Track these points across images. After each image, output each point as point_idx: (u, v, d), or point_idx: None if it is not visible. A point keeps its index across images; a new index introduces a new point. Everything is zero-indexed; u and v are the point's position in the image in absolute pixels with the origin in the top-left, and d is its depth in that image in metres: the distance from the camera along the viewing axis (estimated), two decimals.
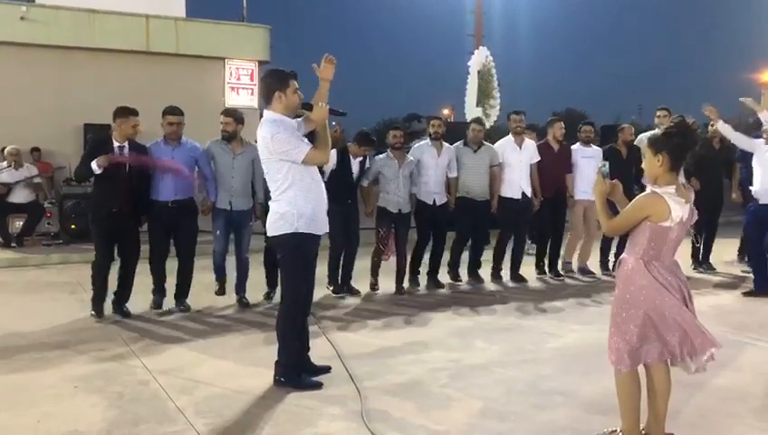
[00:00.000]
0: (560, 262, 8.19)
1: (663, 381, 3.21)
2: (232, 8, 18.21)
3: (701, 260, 8.41)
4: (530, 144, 7.78)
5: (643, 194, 3.14)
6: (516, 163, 7.61)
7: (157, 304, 6.31)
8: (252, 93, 15.69)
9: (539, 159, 7.78)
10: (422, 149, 7.35)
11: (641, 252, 3.13)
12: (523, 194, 7.64)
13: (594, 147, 8.18)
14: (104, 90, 12.70)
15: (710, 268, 8.36)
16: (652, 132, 3.23)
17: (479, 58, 13.06)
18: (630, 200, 3.26)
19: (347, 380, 4.32)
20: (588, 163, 7.92)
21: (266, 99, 4.17)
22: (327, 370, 4.46)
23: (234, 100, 15.31)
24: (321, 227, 4.26)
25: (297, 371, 4.26)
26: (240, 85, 15.68)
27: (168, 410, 3.86)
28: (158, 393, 4.06)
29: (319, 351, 4.99)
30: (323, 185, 4.33)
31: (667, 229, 3.08)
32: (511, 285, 7.65)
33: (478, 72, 13.02)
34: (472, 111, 13.47)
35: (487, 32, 21.35)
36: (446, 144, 7.41)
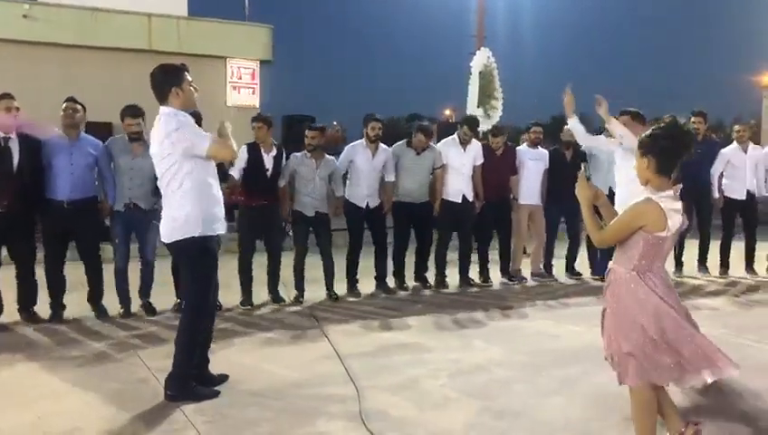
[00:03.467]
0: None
1: (667, 402, 3.05)
2: (234, 7, 18.23)
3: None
4: (475, 146, 7.47)
5: (638, 201, 2.91)
6: (459, 165, 7.32)
7: (56, 315, 5.82)
8: (253, 93, 15.69)
9: (482, 160, 7.48)
10: (356, 149, 7.03)
11: (633, 263, 2.92)
12: (464, 197, 7.34)
13: (541, 148, 7.95)
14: (106, 88, 12.70)
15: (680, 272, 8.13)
16: (642, 134, 3.03)
17: (481, 59, 13.05)
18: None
19: (346, 379, 4.33)
20: (535, 165, 7.78)
21: (161, 95, 3.97)
22: (224, 378, 4.26)
23: (235, 99, 15.34)
24: (221, 227, 4.11)
25: (190, 383, 4.01)
26: (242, 84, 15.69)
27: (167, 407, 3.87)
28: (157, 391, 4.06)
29: (318, 350, 5.02)
30: (218, 184, 4.13)
31: (663, 239, 2.88)
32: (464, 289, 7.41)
33: (480, 72, 12.99)
34: (473, 111, 13.45)
35: (490, 32, 21.37)
36: (383, 146, 7.08)
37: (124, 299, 6.07)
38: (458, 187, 7.32)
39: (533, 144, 7.90)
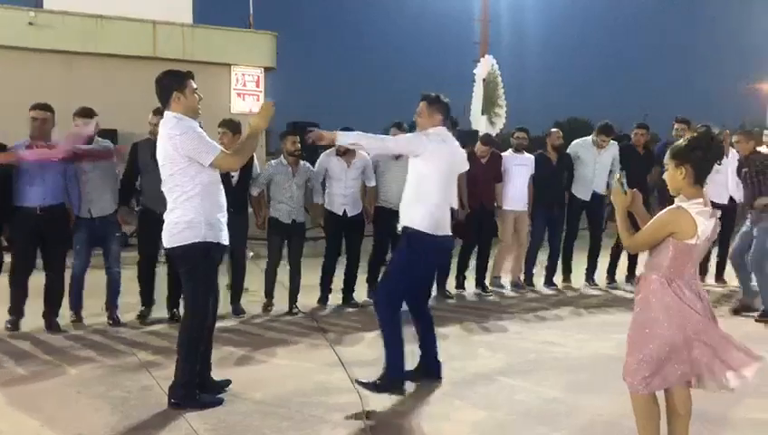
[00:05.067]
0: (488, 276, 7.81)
1: (684, 403, 3.03)
2: (238, 15, 18.34)
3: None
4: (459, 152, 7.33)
5: (668, 208, 2.96)
6: None
7: (12, 325, 5.65)
8: (257, 99, 15.76)
9: (467, 168, 7.43)
10: (329, 158, 6.77)
11: (663, 270, 2.95)
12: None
13: (526, 154, 7.81)
14: (111, 95, 12.79)
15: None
16: (675, 144, 3.04)
17: (485, 66, 13.07)
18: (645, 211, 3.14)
19: (350, 387, 4.31)
20: (519, 171, 7.66)
21: (164, 100, 3.99)
22: (227, 384, 4.26)
23: (240, 106, 15.41)
24: (224, 236, 4.08)
25: (194, 390, 4.01)
26: (246, 91, 15.77)
27: (171, 415, 3.86)
28: (161, 399, 4.06)
29: (322, 359, 5.00)
30: (222, 191, 4.12)
31: (692, 247, 2.91)
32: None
33: (483, 80, 13.01)
34: (477, 119, 13.49)
35: (494, 39, 21.47)
36: (361, 152, 6.71)
37: (76, 305, 5.93)
38: None
39: (518, 150, 7.79)
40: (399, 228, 4.42)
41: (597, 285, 7.98)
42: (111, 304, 6.04)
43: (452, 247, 4.77)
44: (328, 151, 6.78)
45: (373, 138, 4.42)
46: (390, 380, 4.24)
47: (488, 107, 12.97)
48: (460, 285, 7.57)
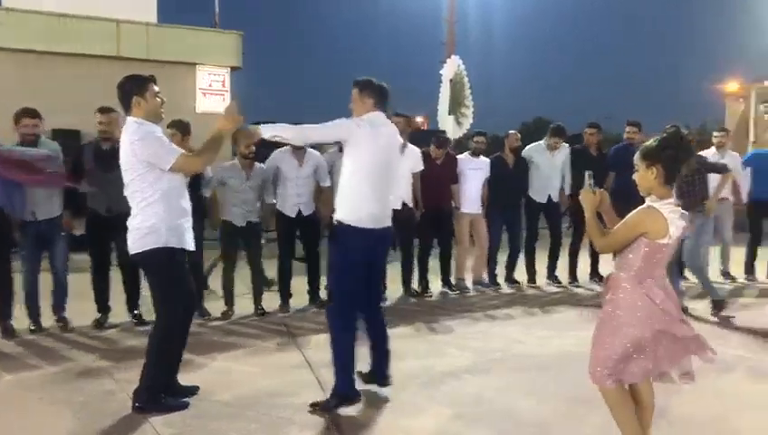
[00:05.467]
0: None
1: (647, 394, 3.10)
2: (204, 14, 18.15)
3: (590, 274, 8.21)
4: (413, 151, 7.16)
5: (640, 208, 2.96)
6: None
7: None
8: (223, 99, 15.59)
9: (422, 168, 7.21)
10: (282, 156, 6.60)
11: (634, 270, 2.96)
12: (404, 204, 7.00)
13: (482, 158, 7.81)
14: (74, 95, 12.54)
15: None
16: (645, 144, 3.04)
17: (451, 67, 13.09)
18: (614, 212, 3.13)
19: (317, 389, 4.31)
20: (474, 175, 7.67)
21: (125, 105, 3.98)
22: (195, 391, 4.21)
23: (205, 106, 15.25)
24: (188, 241, 4.05)
25: (160, 395, 3.97)
26: (212, 91, 15.60)
27: (135, 419, 3.82)
28: (125, 403, 4.01)
29: (290, 360, 4.99)
30: (187, 196, 4.11)
31: (664, 246, 2.93)
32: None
33: (450, 80, 13.05)
34: (444, 119, 13.52)
35: (462, 39, 21.58)
36: (314, 152, 6.67)
37: (34, 313, 5.83)
38: (398, 193, 6.97)
39: (475, 153, 7.80)
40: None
41: (560, 282, 8.07)
42: (58, 307, 5.91)
43: (388, 241, 4.30)
44: (282, 149, 6.58)
45: (297, 128, 4.06)
46: (339, 396, 3.98)
47: (455, 107, 12.97)
48: (425, 288, 7.51)
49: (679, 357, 2.98)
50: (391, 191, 4.23)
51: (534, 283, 8.03)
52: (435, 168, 7.43)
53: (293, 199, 6.57)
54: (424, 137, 10.06)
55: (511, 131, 8.11)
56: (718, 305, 6.45)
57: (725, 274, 8.28)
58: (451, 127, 13.10)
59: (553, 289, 7.90)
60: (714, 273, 7.97)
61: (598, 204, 3.08)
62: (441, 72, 13.74)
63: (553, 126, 8.09)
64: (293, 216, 6.60)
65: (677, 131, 2.99)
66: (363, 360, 4.26)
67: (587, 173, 3.21)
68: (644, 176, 2.97)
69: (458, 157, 7.79)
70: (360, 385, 4.15)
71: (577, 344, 5.43)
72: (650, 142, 3.02)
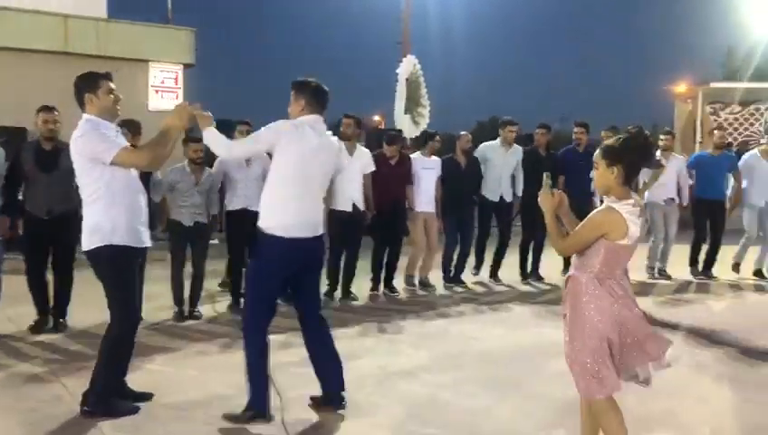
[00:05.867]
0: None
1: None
2: (155, 10, 17.84)
3: (529, 272, 8.36)
4: (363, 152, 7.20)
5: (599, 209, 2.93)
6: (347, 172, 6.91)
7: None
8: (176, 97, 15.34)
9: (373, 169, 7.23)
10: (227, 161, 6.40)
11: (595, 271, 2.90)
12: (354, 206, 7.01)
13: (434, 157, 7.88)
14: (20, 92, 12.17)
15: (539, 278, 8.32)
16: (606, 143, 2.99)
17: (407, 66, 13.11)
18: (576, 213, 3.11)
19: (272, 390, 4.26)
20: (428, 175, 7.70)
21: (80, 103, 3.94)
22: (149, 397, 4.09)
23: (157, 103, 14.97)
24: (140, 239, 3.95)
25: (110, 398, 3.89)
26: (164, 89, 15.32)
27: (85, 424, 3.72)
28: (73, 408, 3.90)
29: (239, 361, 4.91)
30: (143, 192, 4.04)
31: (623, 247, 2.88)
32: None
33: (406, 79, 13.08)
34: (401, 118, 13.55)
35: (420, 38, 21.65)
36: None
37: None
38: (348, 195, 6.98)
39: (429, 153, 7.85)
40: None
41: (501, 281, 8.17)
42: None
43: (317, 250, 4.05)
44: None
45: (228, 144, 3.92)
46: (253, 410, 3.77)
47: (411, 107, 13.02)
48: (375, 287, 7.50)
49: (641, 361, 2.94)
50: (321, 198, 4.03)
51: (496, 278, 8.15)
52: (389, 167, 7.42)
53: (242, 200, 6.47)
54: (381, 136, 10.04)
55: (462, 133, 8.14)
56: None
57: (662, 271, 8.43)
58: (407, 126, 13.14)
59: (502, 287, 7.98)
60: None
61: (557, 206, 3.04)
62: (397, 71, 13.78)
63: (504, 118, 8.20)
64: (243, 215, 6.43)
65: (641, 132, 2.95)
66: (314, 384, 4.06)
67: (545, 175, 3.14)
68: (603, 175, 2.93)
69: (412, 157, 7.81)
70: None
71: (533, 341, 5.54)
72: (612, 141, 2.97)
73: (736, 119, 17.10)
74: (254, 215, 6.29)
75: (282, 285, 3.93)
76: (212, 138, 3.84)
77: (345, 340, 5.58)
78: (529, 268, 8.36)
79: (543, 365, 4.76)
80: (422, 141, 8.33)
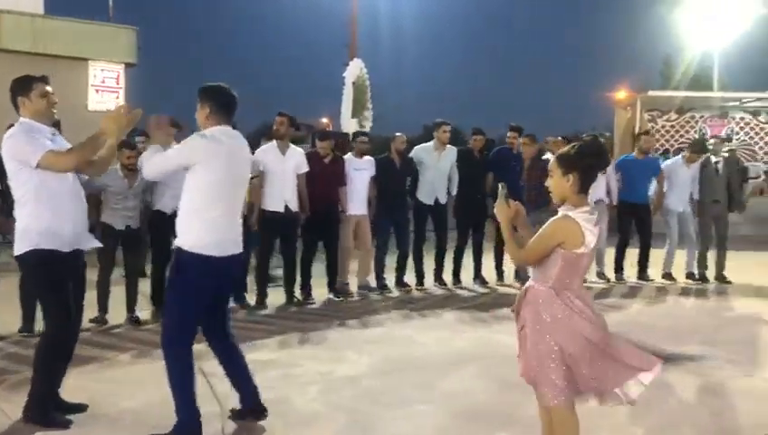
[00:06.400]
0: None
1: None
2: (96, 7, 17.38)
3: (474, 276, 8.39)
4: (297, 152, 7.04)
5: (556, 218, 2.87)
6: (279, 173, 6.82)
7: None
8: (117, 97, 15.00)
9: (307, 169, 7.09)
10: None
11: (552, 281, 2.86)
12: (287, 207, 6.88)
13: (367, 158, 7.74)
14: None
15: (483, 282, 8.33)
16: (561, 151, 2.95)
17: (354, 69, 13.18)
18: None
19: (211, 399, 4.18)
20: (360, 175, 7.58)
21: (14, 106, 3.88)
22: (83, 409, 3.98)
23: (98, 103, 14.60)
24: (71, 242, 3.82)
25: (45, 407, 3.79)
26: (105, 88, 14.96)
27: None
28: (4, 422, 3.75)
29: None
30: (80, 196, 3.93)
31: (581, 256, 2.84)
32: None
33: (353, 83, 13.11)
34: (347, 121, 13.58)
35: (368, 42, 21.67)
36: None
37: None
38: (280, 195, 6.85)
39: (360, 154, 7.70)
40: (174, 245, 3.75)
41: (446, 284, 8.16)
42: None
43: (235, 270, 3.97)
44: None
45: (151, 163, 3.73)
46: (182, 428, 3.59)
47: (358, 110, 13.09)
48: (308, 294, 7.29)
49: (621, 377, 2.87)
50: (239, 212, 3.85)
51: (422, 285, 8.05)
52: (322, 167, 7.27)
53: (171, 202, 6.10)
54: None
55: (397, 134, 8.07)
56: None
57: (600, 274, 8.54)
58: (354, 129, 13.19)
59: (440, 291, 7.98)
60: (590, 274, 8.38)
61: (513, 216, 2.99)
62: (344, 74, 13.81)
63: (438, 119, 8.23)
64: (170, 212, 6.09)
65: (596, 140, 2.94)
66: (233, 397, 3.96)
67: (500, 185, 3.09)
68: (559, 183, 2.89)
69: (344, 157, 7.63)
70: (264, 396, 3.93)
71: (475, 344, 5.59)
72: (567, 149, 2.92)
73: (673, 126, 17.69)
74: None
75: (207, 302, 3.75)
76: (150, 153, 3.73)
77: (286, 347, 5.58)
78: (472, 272, 8.35)
79: (487, 371, 4.80)
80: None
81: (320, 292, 7.45)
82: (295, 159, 6.96)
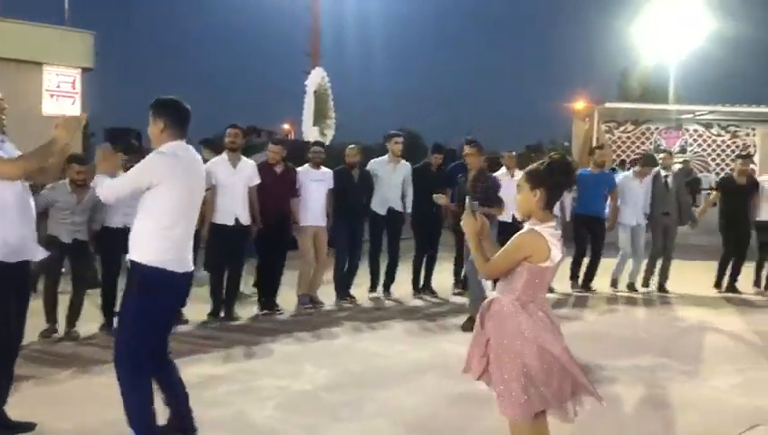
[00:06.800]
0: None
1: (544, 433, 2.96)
2: (52, 10, 17.03)
3: (422, 286, 8.39)
4: (248, 165, 6.94)
5: (522, 232, 2.91)
6: (230, 185, 6.69)
7: None
8: (74, 102, 14.70)
9: (259, 181, 6.99)
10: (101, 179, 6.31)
11: (517, 294, 2.90)
12: (237, 220, 6.76)
13: (324, 169, 7.69)
14: None
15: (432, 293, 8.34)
16: (530, 167, 2.99)
17: (315, 78, 13.14)
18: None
19: (167, 415, 4.10)
20: (317, 187, 7.52)
21: None
22: (30, 427, 3.84)
23: (52, 108, 14.28)
24: (18, 253, 3.72)
25: None
26: (60, 93, 14.64)
27: None
28: None
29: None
30: (29, 205, 3.83)
31: (546, 270, 2.89)
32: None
33: (315, 91, 13.08)
34: (309, 130, 13.53)
35: (329, 50, 21.63)
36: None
37: None
38: (230, 208, 6.70)
39: (316, 165, 7.63)
40: (128, 261, 3.65)
41: (391, 294, 8.13)
42: None
43: (189, 285, 3.88)
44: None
45: (110, 187, 3.63)
46: None
47: (319, 119, 13.05)
48: (265, 305, 7.23)
49: (574, 391, 2.90)
50: (194, 228, 3.78)
51: (376, 294, 8.05)
52: (274, 177, 7.19)
53: (123, 218, 5.98)
54: (292, 147, 9.91)
55: (350, 146, 8.05)
56: (469, 324, 6.32)
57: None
58: (316, 137, 13.15)
59: (393, 303, 7.93)
60: None
61: (479, 230, 3.03)
62: (306, 82, 13.76)
63: (390, 131, 8.32)
64: (121, 226, 5.99)
65: (564, 157, 3.00)
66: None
67: (467, 198, 3.14)
68: (526, 198, 2.94)
69: (298, 169, 7.55)
70: (221, 411, 3.92)
71: (431, 356, 5.60)
72: (537, 166, 2.98)
73: (629, 137, 18.11)
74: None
75: (167, 318, 3.71)
76: (98, 182, 3.63)
77: (243, 361, 5.50)
78: (422, 283, 8.36)
79: (443, 383, 4.82)
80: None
81: (286, 302, 7.40)
82: (246, 172, 6.86)
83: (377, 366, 5.35)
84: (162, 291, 3.52)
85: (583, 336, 6.06)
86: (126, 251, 3.62)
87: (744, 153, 12.10)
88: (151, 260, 3.48)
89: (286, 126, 39.74)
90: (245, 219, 6.85)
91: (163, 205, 3.51)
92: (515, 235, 2.94)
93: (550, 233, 2.87)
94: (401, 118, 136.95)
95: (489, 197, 6.60)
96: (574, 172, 3.05)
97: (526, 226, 2.94)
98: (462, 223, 3.06)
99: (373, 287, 8.12)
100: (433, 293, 8.34)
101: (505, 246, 2.93)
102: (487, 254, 3.00)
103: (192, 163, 3.67)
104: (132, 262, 3.54)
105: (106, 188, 3.60)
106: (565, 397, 2.89)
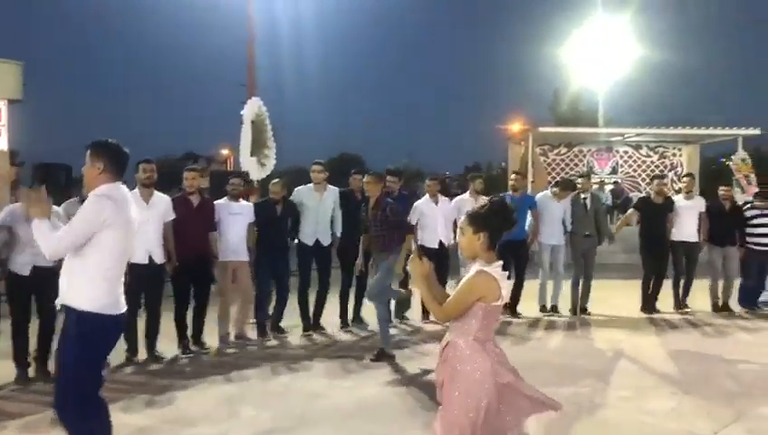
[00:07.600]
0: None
1: None
2: None
3: (352, 318, 8.29)
4: (162, 199, 6.69)
5: (473, 274, 2.98)
6: (142, 222, 6.10)
7: None
8: (0, 134, 14.13)
9: (173, 216, 6.74)
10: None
11: (474, 333, 2.96)
12: (150, 258, 6.48)
13: (243, 202, 7.59)
14: None
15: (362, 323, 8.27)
16: (471, 211, 3.09)
17: (252, 108, 12.95)
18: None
19: None
20: (235, 220, 7.31)
21: None
22: None
23: None
24: None
25: None
26: None
27: None
28: None
29: None
30: None
31: (497, 308, 3.00)
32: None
33: (252, 121, 12.92)
34: (247, 161, 13.33)
35: (268, 83, 21.46)
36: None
37: None
38: (144, 246, 6.32)
39: (234, 197, 7.45)
40: (58, 306, 3.62)
41: (324, 329, 7.95)
42: None
43: (123, 325, 3.84)
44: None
45: (51, 242, 3.52)
46: None
47: (257, 149, 12.85)
48: (191, 344, 7.01)
49: (524, 414, 2.97)
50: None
51: (308, 330, 7.83)
52: (190, 211, 6.97)
53: (31, 259, 5.74)
54: (225, 179, 9.73)
55: (274, 180, 7.90)
56: (382, 355, 6.53)
57: None
58: (255, 169, 12.95)
59: (324, 338, 7.70)
60: None
61: (426, 273, 3.07)
62: (242, 112, 13.56)
63: (315, 160, 8.23)
64: (27, 274, 5.84)
65: (503, 200, 3.12)
66: None
67: (412, 240, 3.19)
68: (470, 241, 3.01)
69: (216, 202, 7.36)
70: None
71: (378, 393, 5.53)
72: (477, 209, 3.07)
73: (563, 159, 18.57)
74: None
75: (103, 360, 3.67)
76: (39, 232, 3.51)
77: (180, 404, 5.30)
78: (350, 314, 8.20)
79: (391, 425, 4.77)
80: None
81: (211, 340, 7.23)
82: (160, 208, 6.62)
83: (322, 406, 5.22)
84: (101, 335, 3.54)
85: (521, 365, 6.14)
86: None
87: (659, 174, 12.49)
88: (93, 307, 3.48)
89: (225, 151, 38.68)
90: (160, 257, 6.59)
91: (109, 247, 3.53)
92: (465, 278, 3.00)
93: (498, 273, 2.96)
94: (342, 142, 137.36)
95: (390, 225, 6.62)
96: (512, 214, 3.12)
97: (473, 268, 3.00)
98: (409, 267, 3.12)
99: (305, 329, 7.83)
100: (362, 323, 8.18)
101: (457, 289, 3.00)
102: (437, 295, 3.07)
103: (126, 204, 3.67)
104: (68, 308, 3.50)
105: (56, 241, 3.50)
106: (521, 414, 2.95)
